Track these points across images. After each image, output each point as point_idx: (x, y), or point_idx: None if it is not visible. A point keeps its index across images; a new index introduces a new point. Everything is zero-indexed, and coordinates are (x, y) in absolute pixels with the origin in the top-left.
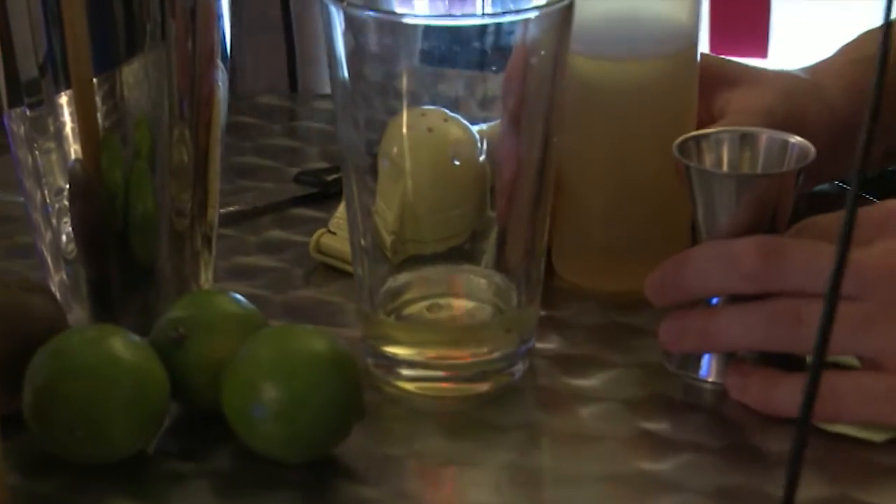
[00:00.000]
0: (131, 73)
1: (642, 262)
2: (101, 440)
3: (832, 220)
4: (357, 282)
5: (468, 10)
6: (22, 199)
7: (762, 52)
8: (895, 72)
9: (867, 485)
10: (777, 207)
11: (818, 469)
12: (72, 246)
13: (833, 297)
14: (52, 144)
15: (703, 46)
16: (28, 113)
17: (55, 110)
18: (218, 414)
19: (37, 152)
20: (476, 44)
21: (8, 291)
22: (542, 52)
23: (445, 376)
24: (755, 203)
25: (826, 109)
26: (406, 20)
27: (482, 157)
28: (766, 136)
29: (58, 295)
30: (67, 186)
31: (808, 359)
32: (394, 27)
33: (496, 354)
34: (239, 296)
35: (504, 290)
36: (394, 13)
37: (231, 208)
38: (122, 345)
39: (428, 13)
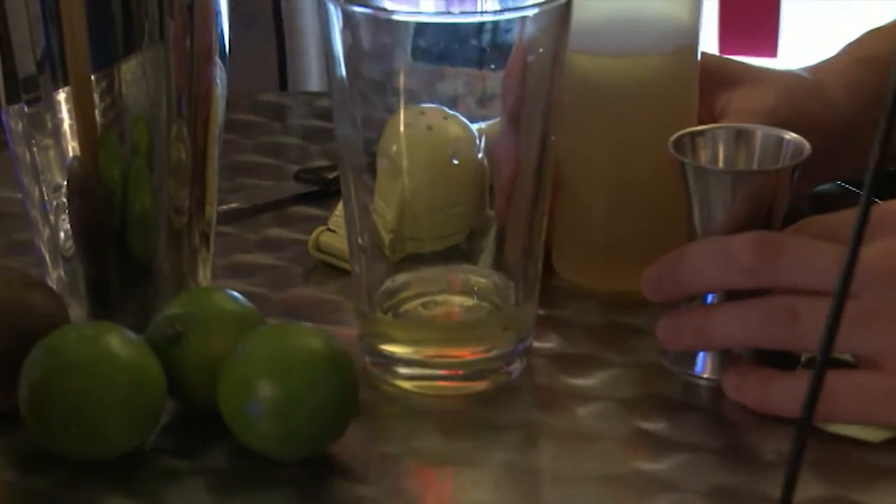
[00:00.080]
0: (129, 71)
1: (642, 262)
2: (97, 437)
3: (831, 219)
4: (354, 280)
5: (467, 8)
6: (20, 195)
7: (772, 51)
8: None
9: (864, 485)
10: (772, 204)
11: (816, 470)
12: (70, 243)
13: (841, 296)
14: (50, 141)
15: (713, 46)
16: (26, 109)
17: (53, 107)
18: (214, 411)
19: (35, 149)
20: (474, 41)
21: (10, 288)
22: (541, 50)
23: (443, 375)
24: (750, 199)
25: (828, 109)
26: (403, 18)
27: (481, 156)
28: (761, 132)
29: None
30: (65, 183)
31: (804, 356)
32: (391, 25)
33: (494, 353)
34: (236, 293)
35: (502, 289)
36: (391, 11)
37: (231, 206)
38: (119, 342)
39: (427, 11)
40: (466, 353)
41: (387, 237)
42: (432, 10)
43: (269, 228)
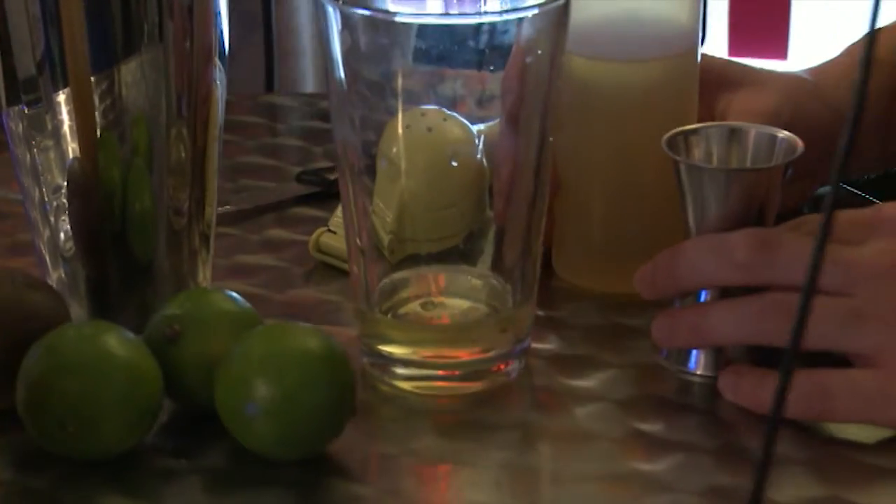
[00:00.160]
0: (129, 72)
1: (641, 264)
2: (94, 436)
3: None
4: (353, 280)
5: (466, 10)
6: (20, 196)
7: (782, 53)
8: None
9: (859, 486)
10: (765, 201)
11: (810, 470)
12: (70, 244)
13: (808, 293)
14: (50, 142)
15: (723, 48)
16: (26, 111)
17: (53, 108)
18: (211, 411)
19: (35, 150)
20: (472, 43)
21: (13, 287)
22: (539, 52)
23: (440, 375)
24: (743, 197)
25: (829, 110)
26: (401, 19)
27: (480, 157)
28: (754, 130)
29: None
30: (65, 184)
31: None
32: (390, 26)
33: (491, 354)
34: (234, 293)
35: (500, 290)
36: (389, 12)
37: (232, 207)
38: (116, 341)
39: (426, 12)
40: (464, 354)
41: (386, 238)
42: (432, 11)
43: (270, 229)
